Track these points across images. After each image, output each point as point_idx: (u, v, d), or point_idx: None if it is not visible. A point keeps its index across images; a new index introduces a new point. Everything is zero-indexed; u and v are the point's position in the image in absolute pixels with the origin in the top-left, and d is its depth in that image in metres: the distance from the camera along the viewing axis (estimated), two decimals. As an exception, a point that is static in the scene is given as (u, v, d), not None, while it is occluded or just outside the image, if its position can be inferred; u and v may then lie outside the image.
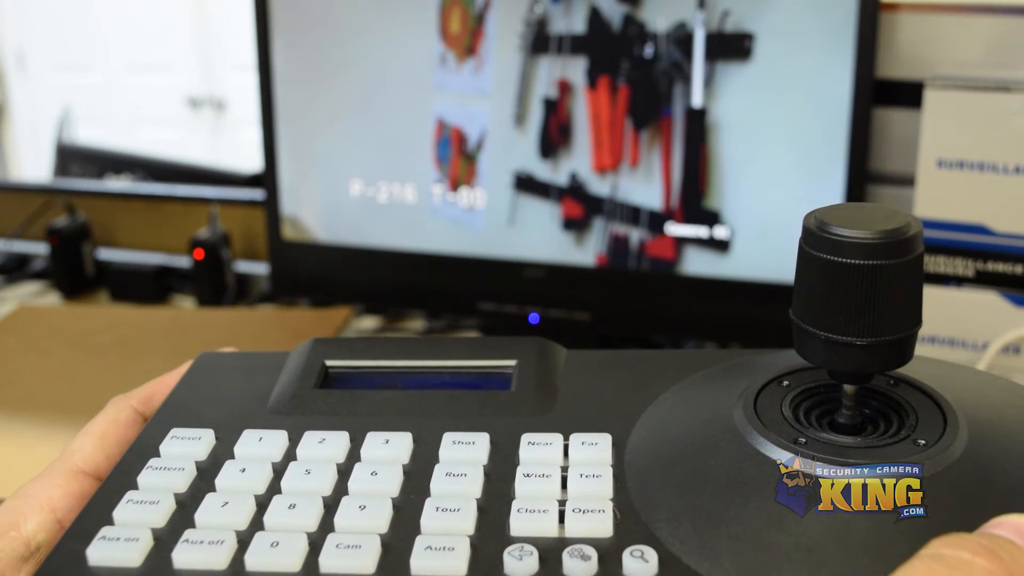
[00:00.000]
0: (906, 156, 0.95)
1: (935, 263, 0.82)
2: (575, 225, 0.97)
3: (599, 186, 0.95)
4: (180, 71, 3.45)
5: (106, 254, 1.36)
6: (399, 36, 1.00)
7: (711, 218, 0.92)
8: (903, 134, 0.95)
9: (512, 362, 0.42)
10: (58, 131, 2.00)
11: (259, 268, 1.29)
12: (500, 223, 1.00)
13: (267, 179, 1.09)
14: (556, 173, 0.97)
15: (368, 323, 1.19)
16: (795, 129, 0.88)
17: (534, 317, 1.01)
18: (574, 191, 0.96)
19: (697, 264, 0.93)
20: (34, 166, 3.41)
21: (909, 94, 0.92)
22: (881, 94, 0.93)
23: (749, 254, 0.91)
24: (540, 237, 0.99)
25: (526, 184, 0.98)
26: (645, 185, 0.94)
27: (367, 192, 1.04)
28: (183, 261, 1.29)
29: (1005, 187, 0.78)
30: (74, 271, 1.30)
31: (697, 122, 0.91)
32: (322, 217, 1.07)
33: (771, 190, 0.89)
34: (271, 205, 1.09)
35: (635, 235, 0.95)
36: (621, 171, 0.94)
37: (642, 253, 0.95)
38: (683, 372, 0.39)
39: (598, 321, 0.99)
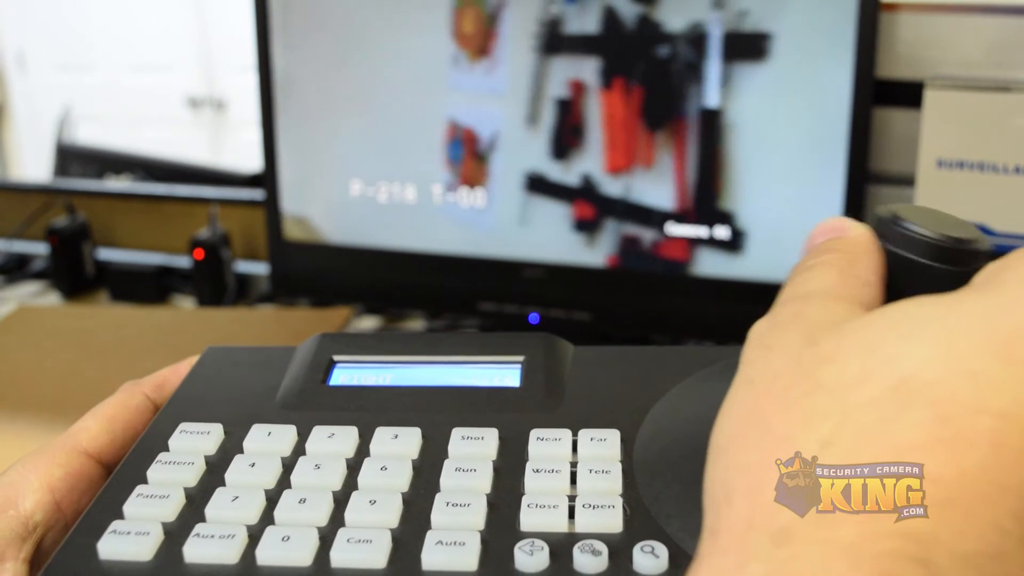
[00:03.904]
0: (906, 156, 0.95)
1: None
2: (587, 226, 0.97)
3: (611, 187, 0.95)
4: (180, 71, 3.45)
5: (106, 254, 1.36)
6: (411, 36, 1.00)
7: (725, 219, 0.92)
8: (903, 134, 0.96)
9: (520, 358, 0.42)
10: (58, 131, 2.00)
11: (259, 268, 1.29)
12: (511, 224, 1.00)
13: (267, 179, 1.09)
14: (568, 174, 0.97)
15: (368, 323, 1.20)
16: (810, 129, 0.88)
17: (534, 317, 1.01)
18: (586, 192, 0.96)
19: (710, 265, 0.93)
20: (34, 166, 3.41)
21: (909, 94, 0.92)
22: (881, 94, 0.93)
23: (763, 255, 0.91)
24: (551, 238, 0.99)
25: (538, 185, 0.98)
26: (658, 186, 0.94)
27: (367, 192, 1.04)
28: (183, 261, 1.29)
29: (1005, 187, 0.79)
30: (74, 271, 1.30)
31: (712, 123, 0.90)
32: (322, 217, 1.07)
33: (785, 191, 0.89)
34: (271, 205, 1.09)
35: (647, 236, 0.95)
36: (634, 172, 0.94)
37: (654, 254, 0.95)
38: (691, 368, 0.40)
39: (598, 321, 0.99)
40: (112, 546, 0.32)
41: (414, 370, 0.42)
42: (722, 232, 0.92)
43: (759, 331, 0.28)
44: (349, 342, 0.44)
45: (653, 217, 0.94)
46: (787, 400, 0.25)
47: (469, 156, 1.00)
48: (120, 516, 0.33)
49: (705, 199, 0.92)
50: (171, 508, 0.34)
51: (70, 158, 1.66)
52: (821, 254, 0.30)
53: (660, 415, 0.37)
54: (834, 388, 0.24)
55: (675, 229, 0.94)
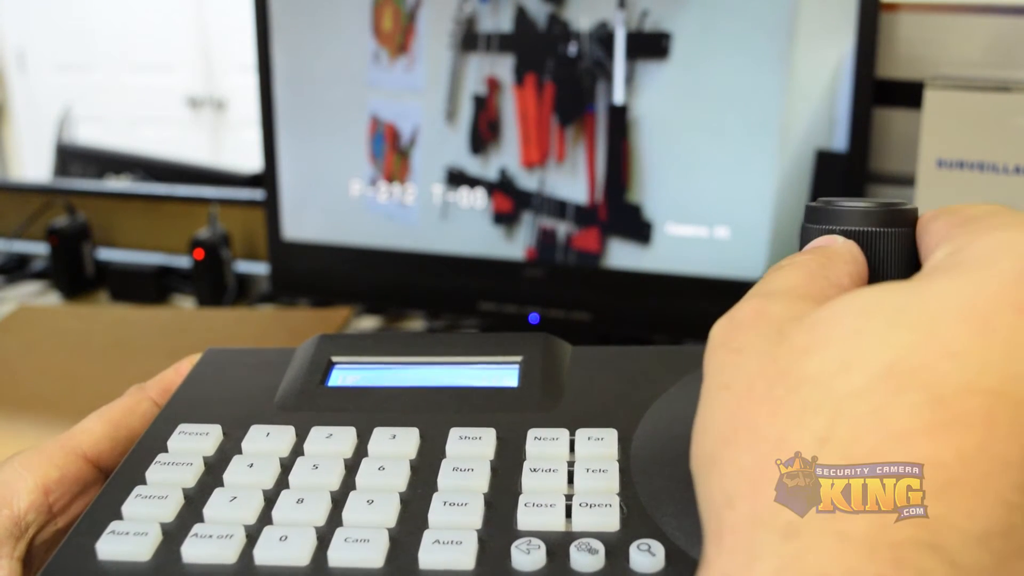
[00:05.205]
0: (906, 156, 0.95)
1: (935, 263, 0.82)
2: (505, 219, 0.99)
3: (527, 181, 0.97)
4: (180, 71, 3.45)
5: (106, 254, 1.36)
6: (334, 33, 1.02)
7: (633, 211, 0.94)
8: (903, 134, 0.96)
9: (518, 358, 0.42)
10: (58, 131, 2.00)
11: (259, 268, 1.29)
12: (433, 218, 1.02)
13: (267, 179, 1.09)
14: (486, 168, 0.99)
15: (368, 323, 1.20)
16: (713, 124, 0.89)
17: (534, 317, 1.01)
18: (504, 186, 0.98)
19: (620, 257, 0.95)
20: (34, 166, 3.41)
21: (909, 94, 0.93)
22: (881, 94, 0.94)
23: (669, 247, 0.93)
24: (471, 231, 1.01)
25: (458, 179, 1.00)
26: (571, 180, 0.96)
27: (367, 192, 1.05)
28: (183, 261, 1.29)
29: (1005, 187, 0.79)
30: (74, 271, 1.30)
31: (619, 119, 0.93)
32: (322, 217, 1.07)
33: (691, 185, 0.91)
34: (271, 205, 1.09)
35: (562, 228, 0.97)
36: (548, 166, 0.97)
37: (568, 246, 0.97)
38: (688, 367, 0.40)
39: (597, 321, 0.99)
40: (111, 546, 0.32)
41: (412, 371, 0.42)
42: (632, 224, 0.94)
43: (721, 334, 0.28)
44: (348, 343, 0.44)
45: (567, 210, 0.97)
46: (773, 400, 0.25)
47: (391, 151, 1.02)
48: (119, 516, 0.34)
49: (615, 193, 0.94)
50: (170, 508, 0.34)
51: (70, 158, 1.67)
52: (797, 256, 0.30)
53: (657, 414, 0.37)
54: (819, 380, 0.24)
55: (587, 221, 0.96)
